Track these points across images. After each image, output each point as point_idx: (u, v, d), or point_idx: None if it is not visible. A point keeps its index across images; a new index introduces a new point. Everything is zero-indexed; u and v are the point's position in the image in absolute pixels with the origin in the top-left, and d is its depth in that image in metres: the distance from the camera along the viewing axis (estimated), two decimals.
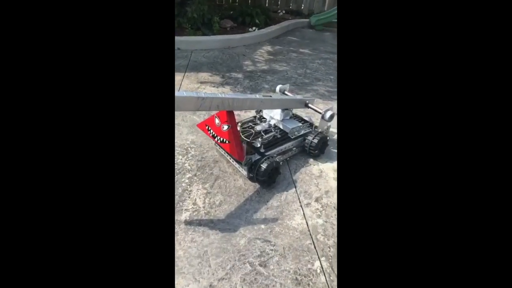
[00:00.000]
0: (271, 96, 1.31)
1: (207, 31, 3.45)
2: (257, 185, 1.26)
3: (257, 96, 1.24)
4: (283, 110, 1.46)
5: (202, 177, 1.29)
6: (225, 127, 1.19)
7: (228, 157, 1.36)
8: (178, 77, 2.46)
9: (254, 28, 3.85)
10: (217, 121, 1.24)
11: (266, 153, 1.27)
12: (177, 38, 3.12)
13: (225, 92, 2.27)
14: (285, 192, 1.24)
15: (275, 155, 1.31)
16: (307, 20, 4.48)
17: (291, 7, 4.81)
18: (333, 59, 3.21)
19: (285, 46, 3.57)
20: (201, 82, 2.40)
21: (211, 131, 1.27)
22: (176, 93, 0.91)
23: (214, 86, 2.35)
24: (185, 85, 2.32)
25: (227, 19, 3.98)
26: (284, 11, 4.82)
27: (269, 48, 3.45)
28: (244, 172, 1.26)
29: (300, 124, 1.47)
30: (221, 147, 1.32)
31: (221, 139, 1.21)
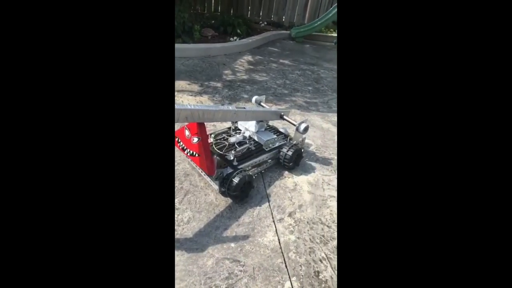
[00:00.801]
0: (244, 108, 1.28)
1: (187, 39, 3.42)
2: (229, 200, 1.21)
3: (230, 107, 1.20)
4: (258, 121, 1.43)
5: None
6: (195, 139, 1.14)
7: (200, 171, 1.30)
8: None
9: (235, 37, 3.86)
10: (187, 133, 1.18)
11: (239, 166, 1.23)
12: None
13: (203, 101, 2.22)
14: (258, 207, 1.20)
15: (248, 168, 1.27)
16: (288, 32, 4.57)
17: (272, 19, 4.90)
18: (312, 70, 3.27)
19: (265, 56, 3.60)
20: (178, 91, 2.34)
21: (181, 143, 1.21)
22: None
23: (191, 95, 2.29)
24: None
25: (209, 28, 3.98)
26: (265, 23, 4.90)
27: (249, 58, 3.46)
28: (216, 187, 1.20)
29: (275, 136, 1.44)
30: (191, 160, 1.26)
31: (191, 152, 1.16)
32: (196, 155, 1.13)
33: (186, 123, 1.17)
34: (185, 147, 1.18)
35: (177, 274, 0.90)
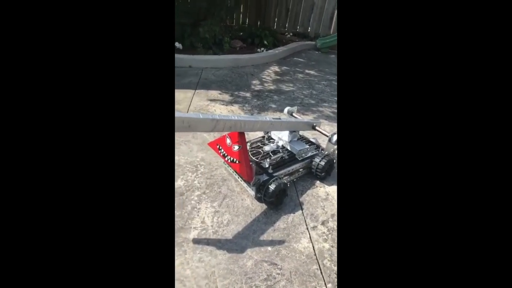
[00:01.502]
0: (280, 119, 1.36)
1: (217, 51, 3.58)
2: (264, 206, 1.27)
3: (267, 118, 1.28)
4: (291, 131, 1.50)
5: (210, 195, 1.31)
6: (236, 147, 1.23)
7: (236, 176, 1.39)
8: (188, 94, 2.53)
9: (262, 49, 3.99)
10: (228, 141, 1.27)
11: (274, 174, 1.30)
12: (188, 57, 3.24)
13: (234, 110, 2.32)
14: (291, 214, 1.25)
15: (282, 176, 1.33)
16: (313, 42, 4.64)
17: (298, 30, 4.99)
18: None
19: (291, 67, 3.68)
20: (211, 100, 2.47)
21: (222, 150, 1.30)
22: (192, 115, 0.96)
23: (223, 104, 2.41)
24: (195, 102, 2.39)
25: (237, 39, 4.14)
26: (291, 34, 5.00)
27: (276, 68, 3.56)
28: (252, 192, 1.28)
29: (308, 146, 1.50)
30: (231, 167, 1.35)
31: (231, 158, 1.24)
32: (237, 161, 1.22)
33: (227, 132, 1.26)
34: (226, 154, 1.27)
35: (220, 272, 0.97)
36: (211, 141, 1.43)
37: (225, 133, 1.31)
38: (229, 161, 1.26)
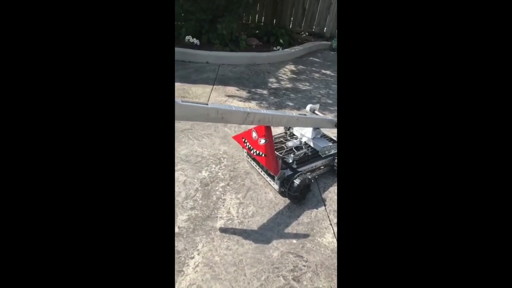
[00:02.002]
0: (305, 115, 1.37)
1: (234, 48, 3.61)
2: (287, 200, 1.29)
3: (294, 113, 1.30)
4: (315, 128, 1.51)
5: (234, 187, 1.33)
6: (262, 141, 1.25)
7: (259, 170, 1.40)
8: (207, 89, 2.57)
9: (278, 47, 4.00)
10: (254, 134, 1.29)
11: (298, 169, 1.31)
12: (206, 52, 3.28)
13: (251, 107, 2.34)
14: (314, 210, 1.27)
15: (306, 172, 1.35)
16: (329, 42, 4.62)
17: (314, 30, 4.98)
18: None
19: (307, 66, 3.68)
20: (229, 96, 2.50)
21: (248, 143, 1.32)
22: (226, 107, 0.98)
23: (241, 101, 2.43)
24: (213, 98, 2.42)
25: (253, 37, 4.16)
26: (306, 33, 4.99)
27: (292, 67, 3.57)
28: (276, 186, 1.29)
29: (331, 144, 1.51)
30: (256, 160, 1.37)
31: (257, 152, 1.26)
32: (263, 155, 1.24)
33: (254, 126, 1.28)
34: (251, 147, 1.29)
35: (247, 260, 0.99)
36: (236, 134, 1.45)
37: (251, 126, 1.33)
38: (254, 154, 1.28)
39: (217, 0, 3.56)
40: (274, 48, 3.95)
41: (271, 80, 3.04)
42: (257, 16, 4.96)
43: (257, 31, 4.46)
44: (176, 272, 0.92)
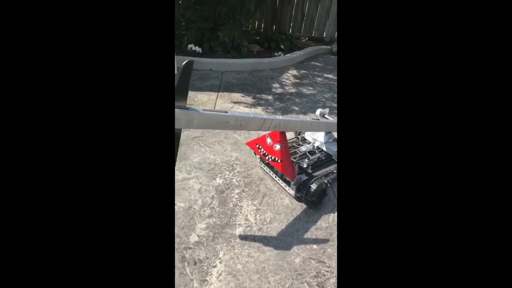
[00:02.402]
0: (318, 120, 1.38)
1: (236, 55, 3.64)
2: (303, 205, 1.28)
3: (308, 119, 1.31)
4: (327, 132, 1.52)
5: (250, 193, 1.33)
6: (278, 146, 1.25)
7: (273, 176, 1.40)
8: (212, 96, 2.58)
9: (280, 53, 4.03)
10: (268, 140, 1.30)
11: (313, 174, 1.31)
12: (208, 60, 3.30)
13: (257, 113, 2.36)
14: (332, 214, 1.26)
15: (321, 176, 1.35)
16: (329, 47, 4.67)
17: (313, 35, 5.03)
18: None
19: (310, 70, 3.71)
20: (234, 102, 2.51)
21: (262, 149, 1.32)
22: (244, 114, 0.98)
23: (246, 107, 2.44)
24: (220, 104, 2.43)
25: (254, 44, 4.20)
26: (306, 38, 5.04)
27: (295, 72, 3.59)
28: (292, 192, 1.29)
29: None
30: (270, 166, 1.37)
31: (273, 157, 1.26)
32: (279, 161, 1.24)
33: (269, 131, 1.29)
34: (266, 153, 1.29)
35: (270, 268, 0.98)
36: (248, 141, 1.45)
37: (264, 132, 1.33)
38: (270, 160, 1.28)
39: (219, 8, 3.61)
40: (276, 54, 3.99)
41: (274, 85, 3.06)
42: (257, 22, 5.01)
43: (257, 38, 4.50)
44: (199, 282, 0.92)
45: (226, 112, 0.95)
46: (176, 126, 0.82)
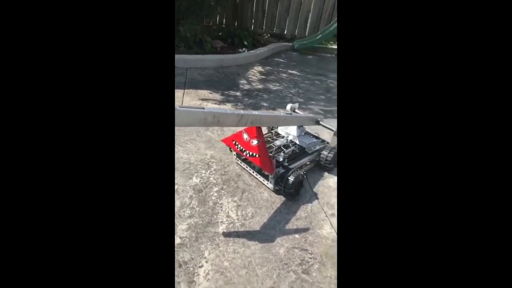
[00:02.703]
0: (291, 114, 1.42)
1: (199, 50, 3.54)
2: (282, 198, 1.32)
3: (282, 113, 1.34)
4: (299, 126, 1.57)
5: (229, 190, 1.32)
6: (255, 142, 1.26)
7: (251, 171, 1.41)
8: (178, 93, 2.48)
9: (244, 49, 4.03)
10: (245, 136, 1.30)
11: (290, 167, 1.35)
12: None
13: (227, 109, 2.34)
14: (309, 204, 1.32)
15: (297, 169, 1.40)
16: (291, 44, 4.80)
17: (275, 31, 5.12)
18: (320, 80, 3.47)
19: (274, 67, 3.78)
20: (202, 99, 2.45)
21: (239, 146, 1.32)
22: (221, 110, 0.97)
23: (215, 103, 2.41)
24: (187, 102, 2.35)
25: (217, 39, 4.13)
26: (268, 35, 5.11)
27: (260, 68, 3.62)
28: (270, 185, 1.32)
29: (315, 140, 1.58)
30: (247, 161, 1.37)
31: (250, 153, 1.27)
32: (257, 155, 1.25)
33: (244, 128, 1.29)
34: (243, 149, 1.30)
35: (256, 261, 1.00)
36: (224, 137, 1.44)
37: (239, 129, 1.33)
38: (247, 155, 1.28)
39: (179, 1, 3.46)
40: (240, 50, 3.98)
41: (242, 81, 3.05)
42: (218, 18, 4.93)
43: (220, 33, 4.43)
44: (187, 284, 0.89)
45: (203, 108, 0.93)
46: None
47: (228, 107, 2.37)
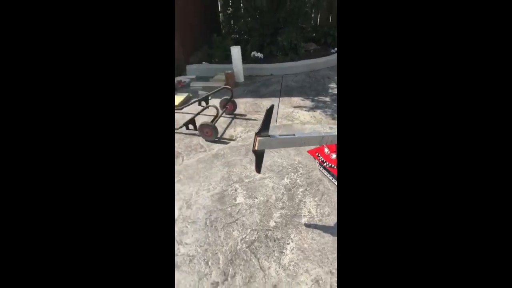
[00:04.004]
0: None
1: (294, 56, 3.91)
2: None
3: None
4: None
5: (311, 191, 1.70)
6: (334, 155, 1.57)
7: (330, 178, 1.73)
8: (275, 102, 2.96)
9: (335, 48, 4.13)
10: (326, 150, 1.63)
11: None
12: (269, 65, 3.67)
13: (316, 116, 2.65)
14: None
15: None
16: None
17: None
18: None
19: None
20: (295, 107, 2.84)
21: (321, 157, 1.66)
22: (306, 135, 1.34)
23: (306, 111, 2.76)
24: (282, 110, 2.80)
25: (310, 41, 4.37)
26: None
27: None
28: None
29: None
30: (327, 170, 1.71)
31: (330, 164, 1.60)
32: (334, 167, 1.56)
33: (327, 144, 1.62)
34: (324, 160, 1.63)
35: (328, 248, 1.35)
36: (310, 149, 1.80)
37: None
38: (327, 166, 1.61)
39: (277, 13, 3.89)
40: (332, 51, 4.10)
41: (331, 85, 3.26)
42: (312, 20, 5.11)
43: (313, 34, 4.64)
44: (278, 253, 1.35)
45: (294, 134, 1.32)
46: (262, 148, 1.24)
47: (317, 114, 2.68)
